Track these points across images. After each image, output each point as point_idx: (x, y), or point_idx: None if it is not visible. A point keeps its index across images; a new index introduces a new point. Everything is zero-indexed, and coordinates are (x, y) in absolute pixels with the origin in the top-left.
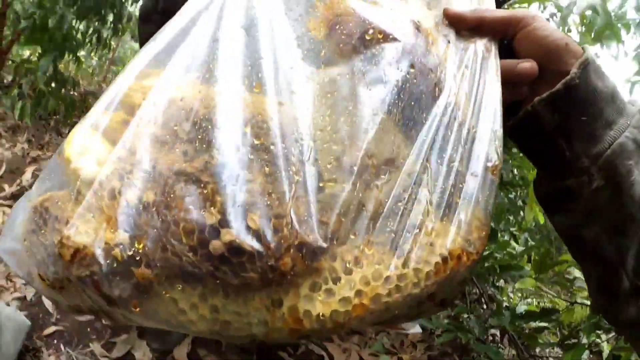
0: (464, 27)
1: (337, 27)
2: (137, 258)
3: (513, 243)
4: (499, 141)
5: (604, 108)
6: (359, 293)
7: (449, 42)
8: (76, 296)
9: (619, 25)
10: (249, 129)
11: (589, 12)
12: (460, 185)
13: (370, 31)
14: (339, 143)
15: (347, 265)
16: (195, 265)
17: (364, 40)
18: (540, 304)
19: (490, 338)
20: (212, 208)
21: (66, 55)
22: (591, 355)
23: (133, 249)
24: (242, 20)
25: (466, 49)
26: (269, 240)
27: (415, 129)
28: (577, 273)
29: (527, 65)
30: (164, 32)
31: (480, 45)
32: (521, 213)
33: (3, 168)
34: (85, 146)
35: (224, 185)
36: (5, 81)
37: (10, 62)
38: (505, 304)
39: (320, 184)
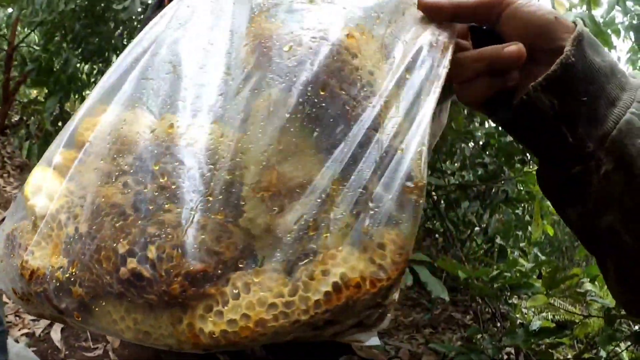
0: (442, 18)
1: (261, 42)
2: (72, 279)
3: (522, 260)
4: (423, 159)
5: (605, 85)
6: (245, 316)
7: (395, 44)
8: (38, 307)
9: (609, 31)
10: (157, 168)
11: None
12: (375, 209)
13: (290, 45)
14: (234, 171)
15: (235, 291)
16: (111, 287)
17: (282, 54)
18: (556, 316)
19: (505, 357)
20: (124, 240)
21: (72, 96)
22: None
23: (69, 272)
24: (169, 56)
25: (415, 53)
26: (161, 269)
27: (327, 150)
28: (588, 286)
29: (514, 48)
30: (113, 69)
31: (435, 47)
32: (529, 228)
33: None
34: (39, 185)
35: (138, 217)
36: (12, 121)
37: (17, 102)
38: (519, 320)
39: (212, 215)
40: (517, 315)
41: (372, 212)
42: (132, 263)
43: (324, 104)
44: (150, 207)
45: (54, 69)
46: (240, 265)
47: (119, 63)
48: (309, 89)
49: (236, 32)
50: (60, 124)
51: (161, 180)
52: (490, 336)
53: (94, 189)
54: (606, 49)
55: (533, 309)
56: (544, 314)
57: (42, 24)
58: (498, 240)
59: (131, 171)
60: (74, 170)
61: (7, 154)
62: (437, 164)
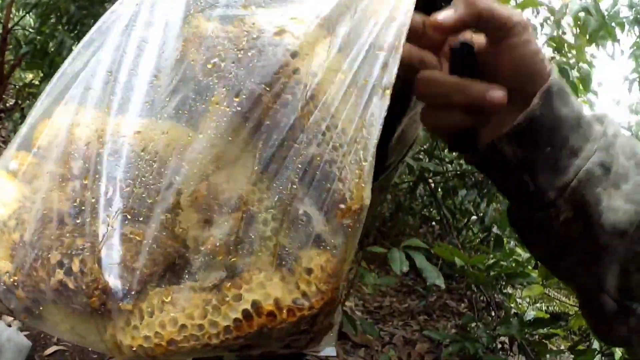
0: (455, 31)
1: (189, 53)
2: (15, 284)
3: (518, 250)
4: (364, 179)
5: (569, 136)
6: (158, 334)
7: (341, 41)
8: None
9: (613, 24)
10: (88, 181)
11: (582, 14)
12: (303, 229)
13: (214, 60)
14: (150, 187)
15: (149, 309)
16: (46, 294)
17: (205, 70)
18: (550, 308)
19: (499, 346)
20: (57, 250)
21: None
22: (603, 359)
23: (13, 277)
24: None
25: (363, 54)
26: (82, 282)
27: (259, 162)
28: None
29: (499, 96)
30: (65, 66)
31: (386, 49)
32: None
33: None
34: None
35: (73, 227)
36: (7, 105)
37: (12, 86)
38: (513, 310)
39: (129, 232)
40: (512, 305)
41: (298, 232)
42: (59, 274)
43: (253, 115)
44: (84, 217)
45: (49, 52)
46: (161, 281)
47: (71, 61)
48: (242, 98)
49: (170, 30)
50: None
51: (90, 190)
52: (484, 325)
53: (44, 193)
54: (575, 99)
55: (527, 299)
56: (538, 305)
57: (37, 6)
58: (494, 230)
59: (77, 177)
60: (28, 174)
61: (1, 137)
62: (435, 151)
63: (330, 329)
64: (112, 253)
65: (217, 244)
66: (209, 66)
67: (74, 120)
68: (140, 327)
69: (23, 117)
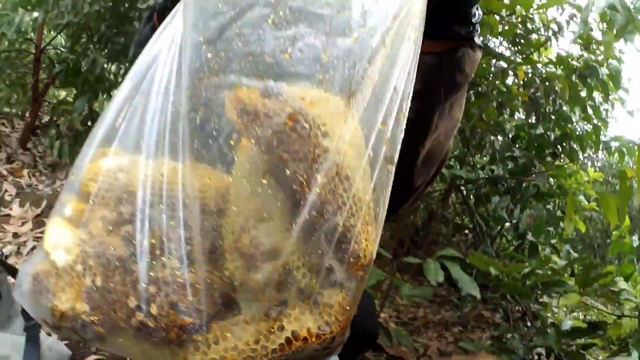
0: None
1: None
2: (94, 322)
3: (554, 258)
4: (370, 242)
5: None
6: (222, 357)
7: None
8: (66, 334)
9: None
10: (138, 224)
11: (608, 11)
12: (327, 276)
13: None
14: (216, 231)
15: (214, 339)
16: (126, 330)
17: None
18: (587, 316)
19: (536, 358)
20: (132, 296)
21: (100, 95)
22: None
23: (91, 317)
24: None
25: (380, 137)
26: (162, 322)
27: (293, 220)
28: (622, 284)
29: None
30: (108, 109)
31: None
32: (561, 224)
33: (44, 204)
34: (57, 241)
35: (142, 276)
36: (43, 121)
37: (47, 103)
38: (550, 320)
39: (190, 279)
40: (548, 315)
41: (324, 279)
42: (139, 316)
43: (292, 190)
44: (148, 261)
45: (82, 70)
46: (221, 316)
47: (115, 100)
48: (282, 176)
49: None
50: (89, 123)
51: (151, 235)
52: (520, 336)
53: (101, 238)
54: None
55: (564, 309)
56: (575, 314)
57: (68, 26)
58: (529, 237)
59: (130, 220)
60: (83, 220)
61: (38, 153)
62: (466, 157)
63: (342, 344)
64: (181, 298)
65: (261, 286)
66: (253, 141)
67: (120, 166)
68: (209, 352)
69: (59, 134)
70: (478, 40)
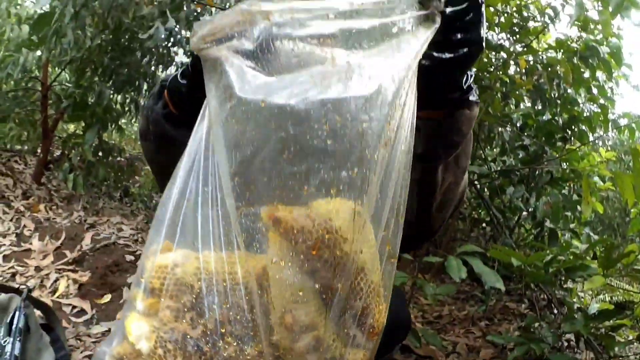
0: None
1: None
2: None
3: (575, 242)
4: (382, 316)
5: None
6: None
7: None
8: None
9: None
10: (200, 310)
11: None
12: (352, 340)
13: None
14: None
15: None
16: None
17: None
18: (614, 298)
19: (566, 344)
20: None
21: (109, 126)
22: None
23: None
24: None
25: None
26: None
27: (324, 301)
28: None
29: None
30: (163, 200)
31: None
32: (578, 208)
33: (63, 236)
34: (138, 333)
35: (211, 353)
36: (54, 156)
37: (57, 137)
38: (576, 305)
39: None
40: (574, 300)
41: (349, 343)
42: None
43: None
44: (215, 341)
45: (89, 103)
46: None
47: (168, 194)
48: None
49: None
50: (100, 154)
51: (204, 319)
52: (548, 324)
53: (172, 324)
54: None
55: (590, 292)
56: (600, 296)
57: (72, 62)
58: (547, 224)
59: (192, 308)
60: (151, 310)
61: (53, 187)
62: (477, 151)
63: None
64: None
65: (302, 353)
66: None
67: (175, 261)
68: None
69: (71, 166)
70: (474, 96)
